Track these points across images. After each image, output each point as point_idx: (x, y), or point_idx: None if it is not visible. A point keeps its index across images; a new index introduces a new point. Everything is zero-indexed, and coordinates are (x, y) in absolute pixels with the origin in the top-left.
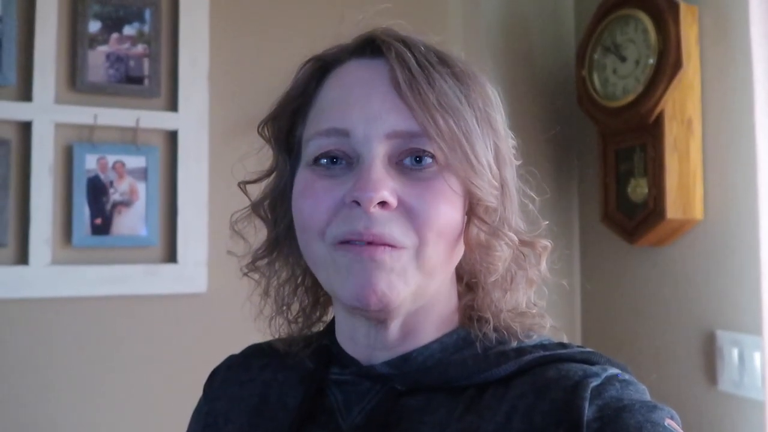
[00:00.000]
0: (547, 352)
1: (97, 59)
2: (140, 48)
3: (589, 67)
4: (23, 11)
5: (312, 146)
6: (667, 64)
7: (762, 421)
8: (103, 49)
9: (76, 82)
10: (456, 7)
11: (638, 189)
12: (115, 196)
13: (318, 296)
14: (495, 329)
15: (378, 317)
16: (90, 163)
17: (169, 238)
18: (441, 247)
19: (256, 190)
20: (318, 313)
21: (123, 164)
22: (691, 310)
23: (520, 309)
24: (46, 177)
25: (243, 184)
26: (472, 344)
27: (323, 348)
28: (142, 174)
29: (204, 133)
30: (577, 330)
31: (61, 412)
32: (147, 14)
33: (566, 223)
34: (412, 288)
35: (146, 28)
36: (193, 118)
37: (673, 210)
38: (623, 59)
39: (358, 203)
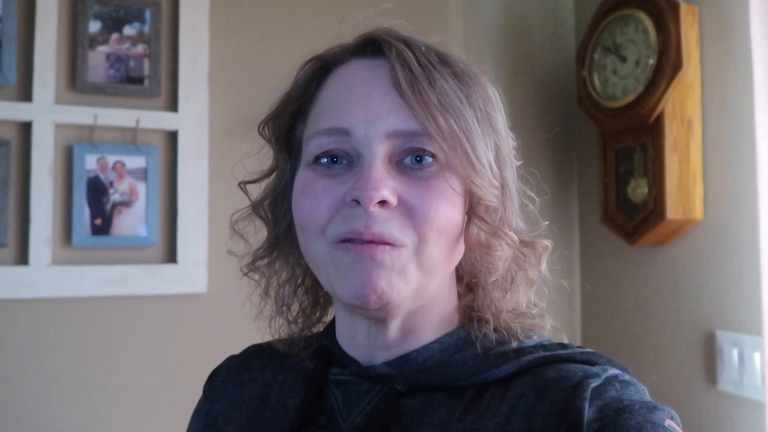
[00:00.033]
0: (547, 353)
1: (97, 59)
2: (140, 48)
3: (589, 68)
4: (23, 11)
5: (312, 145)
6: (667, 64)
7: (762, 422)
8: (103, 49)
9: (76, 82)
10: (456, 7)
11: (638, 189)
12: (115, 196)
13: (318, 297)
14: (495, 330)
15: (378, 316)
16: (90, 163)
17: (169, 239)
18: (441, 245)
19: (256, 191)
20: (318, 314)
21: (123, 164)
22: (691, 311)
23: (520, 309)
24: (46, 177)
25: (243, 184)
26: (472, 344)
27: (323, 348)
28: (142, 174)
29: (204, 133)
30: (577, 330)
31: (61, 412)
32: (147, 14)
33: (566, 223)
34: (412, 287)
35: (146, 29)
36: (193, 118)
37: (673, 210)
38: (623, 59)
39: (358, 202)
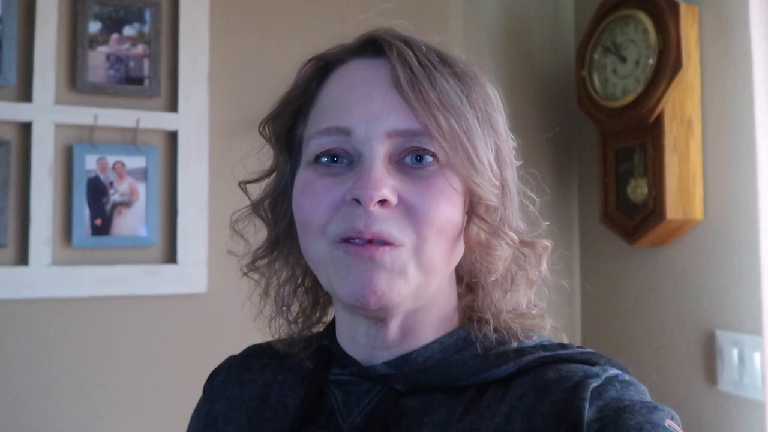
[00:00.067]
0: (547, 353)
1: (97, 59)
2: (140, 48)
3: (589, 68)
4: (23, 11)
5: (313, 145)
6: (667, 64)
7: (762, 422)
8: (103, 49)
9: (76, 82)
10: (456, 7)
11: (638, 189)
12: (115, 196)
13: (318, 297)
14: (495, 330)
15: (378, 316)
16: (90, 163)
17: (169, 239)
18: (441, 245)
19: (257, 190)
20: (318, 314)
21: (123, 165)
22: (691, 311)
23: (520, 310)
24: (46, 177)
25: (243, 184)
26: (472, 345)
27: (323, 348)
28: (142, 174)
29: (204, 133)
30: (577, 330)
31: (61, 412)
32: (147, 15)
33: (566, 223)
34: (412, 286)
35: (146, 29)
36: (193, 119)
37: (672, 210)
38: (623, 59)
39: (358, 201)
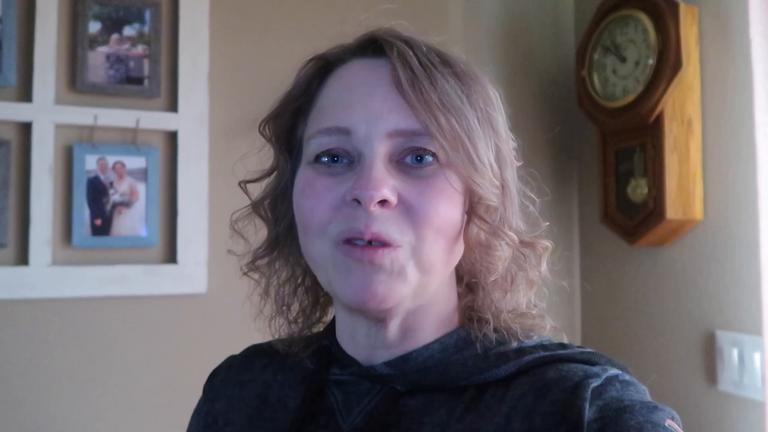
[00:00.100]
0: (547, 353)
1: (97, 60)
2: (140, 49)
3: (589, 68)
4: (23, 11)
5: (313, 144)
6: (666, 64)
7: (762, 422)
8: (103, 49)
9: (76, 82)
10: (456, 7)
11: (638, 189)
12: (115, 196)
13: (318, 296)
14: (495, 330)
15: (377, 316)
16: (90, 163)
17: (169, 239)
18: (439, 244)
19: (257, 190)
20: (318, 314)
21: (123, 165)
22: (691, 311)
23: (520, 310)
24: (46, 177)
25: (244, 183)
26: (472, 344)
27: (323, 348)
28: (142, 174)
29: (204, 133)
30: (577, 330)
31: (61, 412)
32: (147, 15)
33: (566, 223)
34: (411, 287)
35: (146, 29)
36: (193, 119)
37: (672, 210)
38: (623, 59)
39: (358, 202)
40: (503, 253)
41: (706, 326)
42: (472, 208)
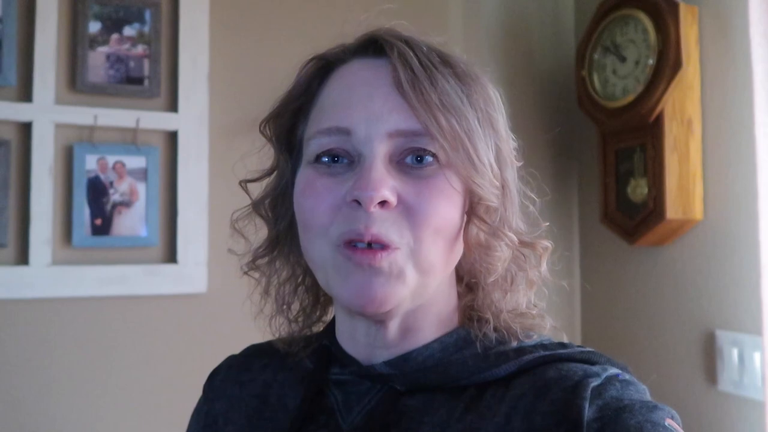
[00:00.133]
0: (547, 352)
1: (97, 60)
2: (140, 48)
3: (589, 68)
4: (23, 11)
5: (313, 144)
6: (666, 64)
7: (762, 421)
8: (103, 49)
9: (76, 82)
10: (456, 7)
11: (638, 189)
12: (115, 196)
13: (318, 295)
14: (495, 329)
15: (377, 318)
16: (90, 163)
17: (169, 239)
18: (438, 245)
19: (257, 190)
20: (318, 313)
21: (123, 164)
22: (690, 310)
23: (520, 310)
24: (46, 177)
25: (244, 183)
26: (472, 344)
27: (323, 348)
28: (142, 174)
29: (204, 133)
30: (577, 330)
31: (61, 412)
32: (147, 15)
33: (566, 223)
34: (410, 288)
35: (146, 29)
36: (193, 119)
37: (672, 210)
38: (623, 59)
39: (358, 202)
40: (503, 253)
41: (706, 326)
42: (472, 208)
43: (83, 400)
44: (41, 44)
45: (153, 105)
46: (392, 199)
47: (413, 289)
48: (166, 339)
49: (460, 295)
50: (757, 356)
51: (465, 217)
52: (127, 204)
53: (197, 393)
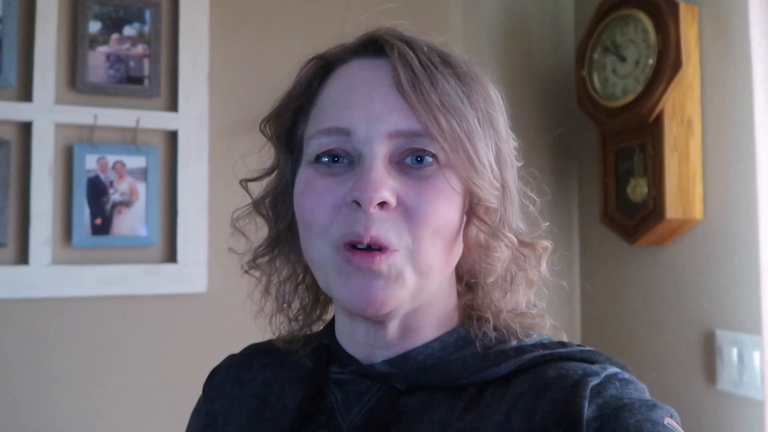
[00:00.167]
0: (547, 351)
1: (97, 59)
2: (140, 48)
3: (588, 67)
4: (23, 11)
5: (313, 145)
6: (666, 64)
7: (761, 421)
8: (103, 49)
9: (76, 82)
10: (456, 7)
11: (638, 189)
12: (115, 196)
13: (318, 294)
14: (494, 328)
15: (376, 319)
16: (90, 163)
17: (169, 238)
18: (437, 246)
19: (257, 189)
20: (318, 311)
21: (123, 164)
22: (690, 310)
23: (519, 310)
24: (46, 177)
25: (245, 182)
26: (472, 343)
27: (323, 347)
28: (142, 174)
29: (204, 133)
30: (577, 329)
31: (61, 412)
32: (147, 15)
33: (566, 223)
34: (409, 290)
35: (146, 29)
36: (193, 118)
37: (672, 210)
38: (623, 59)
39: (358, 203)
40: (502, 254)
41: (705, 325)
42: (472, 209)
43: (83, 400)
44: (41, 44)
45: (153, 105)
46: (392, 201)
47: (412, 291)
48: (166, 339)
49: (459, 294)
50: (756, 355)
51: (465, 217)
52: (127, 204)
53: (197, 393)
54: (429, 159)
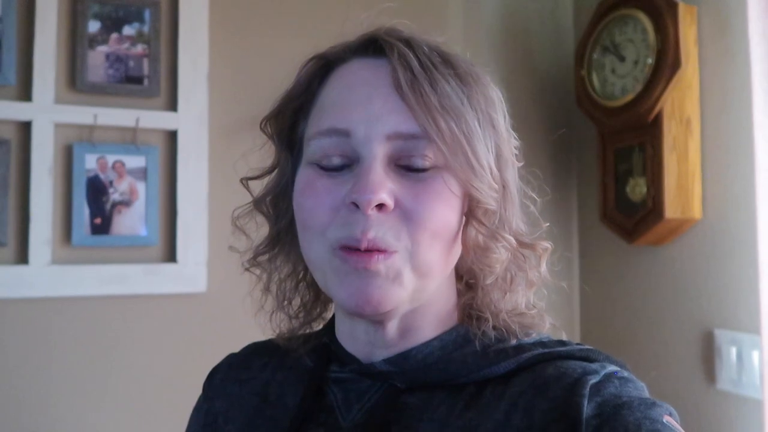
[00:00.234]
0: (546, 350)
1: (96, 59)
2: (140, 48)
3: (588, 67)
4: (23, 11)
5: (313, 146)
6: (665, 63)
7: (760, 420)
8: (102, 49)
9: (75, 82)
10: (456, 7)
11: (637, 188)
12: (114, 195)
13: (319, 292)
14: (494, 327)
15: (375, 319)
16: (90, 162)
17: (169, 238)
18: (436, 248)
19: (258, 187)
20: (318, 309)
21: (123, 164)
22: (689, 309)
23: (519, 310)
24: (46, 177)
25: (245, 180)
26: (472, 342)
27: (323, 346)
28: (142, 174)
29: (204, 132)
30: (576, 329)
31: (61, 412)
32: (147, 14)
33: (565, 222)
34: (408, 291)
35: (146, 29)
36: (192, 118)
37: (671, 209)
38: (622, 59)
39: (356, 205)
40: (501, 255)
41: (704, 325)
42: (471, 211)
43: (83, 399)
44: (41, 44)
45: (152, 104)
46: (390, 203)
47: (411, 292)
48: (166, 339)
49: (459, 293)
50: (755, 355)
51: (463, 219)
52: (126, 203)
53: (197, 392)
54: (428, 161)
